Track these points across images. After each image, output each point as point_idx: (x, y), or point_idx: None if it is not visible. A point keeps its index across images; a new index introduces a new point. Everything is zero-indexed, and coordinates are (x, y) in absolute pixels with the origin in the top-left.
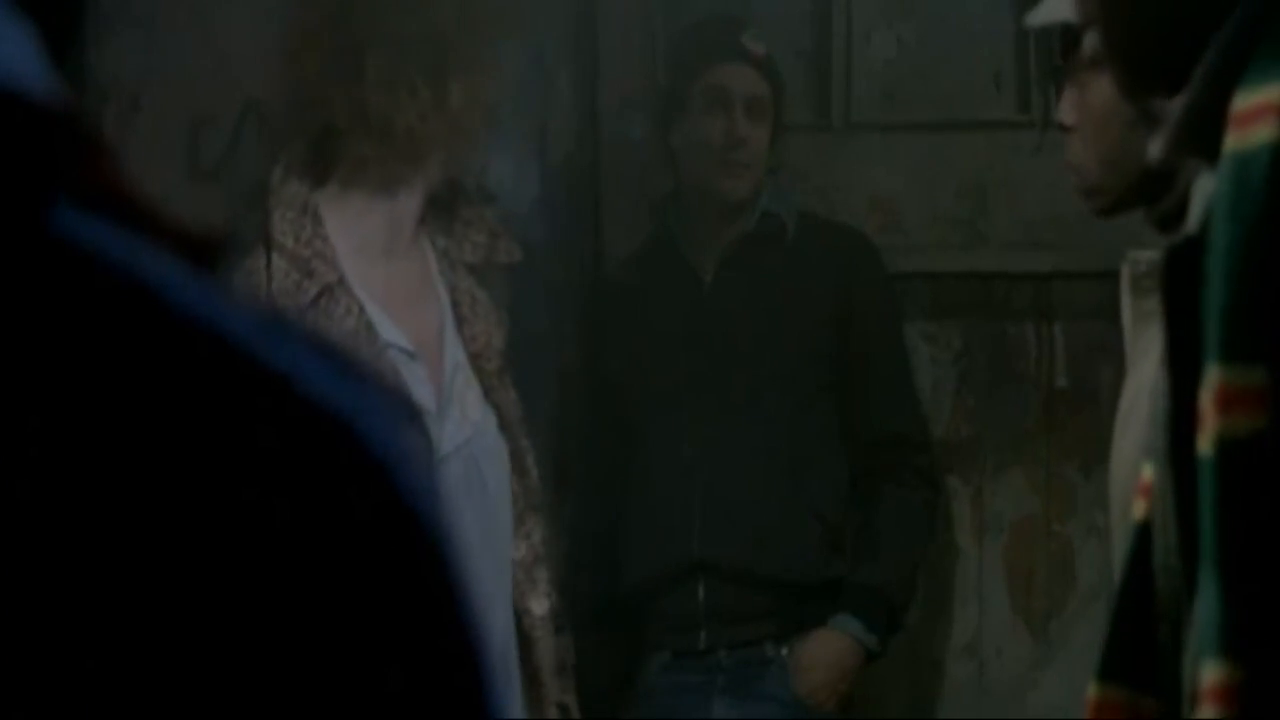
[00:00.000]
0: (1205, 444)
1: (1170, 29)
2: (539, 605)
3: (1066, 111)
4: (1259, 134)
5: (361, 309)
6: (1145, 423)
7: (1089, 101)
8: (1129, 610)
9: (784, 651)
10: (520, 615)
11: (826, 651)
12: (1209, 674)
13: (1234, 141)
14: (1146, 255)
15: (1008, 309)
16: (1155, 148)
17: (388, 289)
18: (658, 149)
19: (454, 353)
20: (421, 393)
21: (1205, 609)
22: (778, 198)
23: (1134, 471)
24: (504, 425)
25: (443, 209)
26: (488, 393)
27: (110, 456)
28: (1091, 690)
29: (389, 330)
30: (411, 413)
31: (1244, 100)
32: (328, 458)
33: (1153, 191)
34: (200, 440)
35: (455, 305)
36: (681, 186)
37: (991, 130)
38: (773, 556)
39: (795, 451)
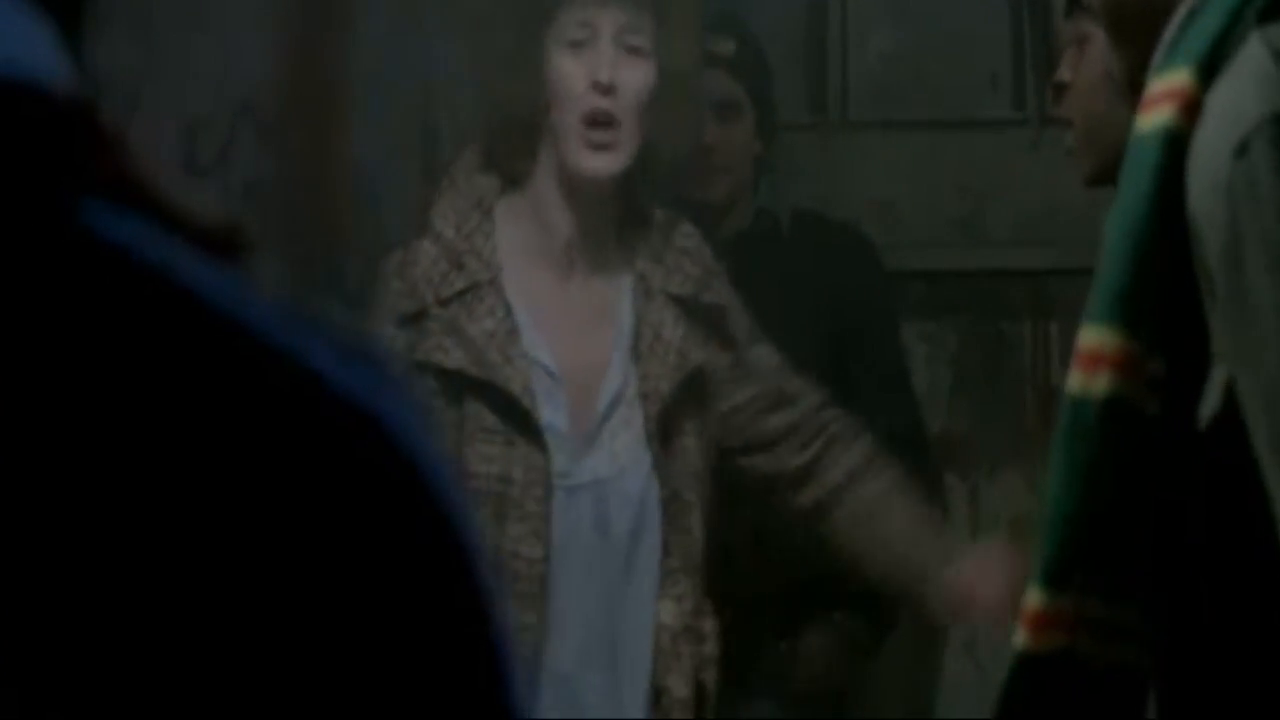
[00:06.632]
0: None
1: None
2: (680, 686)
3: (1064, 70)
4: (1157, 117)
5: (508, 313)
6: None
7: (1084, 66)
8: None
9: (781, 647)
10: (658, 692)
11: (822, 646)
12: (1030, 600)
13: (1139, 123)
14: None
15: (1004, 307)
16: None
17: (552, 303)
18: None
19: (616, 384)
20: (552, 413)
21: (1040, 539)
22: (772, 196)
23: None
24: (661, 474)
25: (656, 233)
26: (647, 437)
27: (138, 448)
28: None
29: (534, 342)
30: (427, 416)
31: (1155, 84)
32: (351, 453)
33: None
34: (223, 435)
35: (636, 337)
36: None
37: (988, 128)
38: (769, 553)
39: None
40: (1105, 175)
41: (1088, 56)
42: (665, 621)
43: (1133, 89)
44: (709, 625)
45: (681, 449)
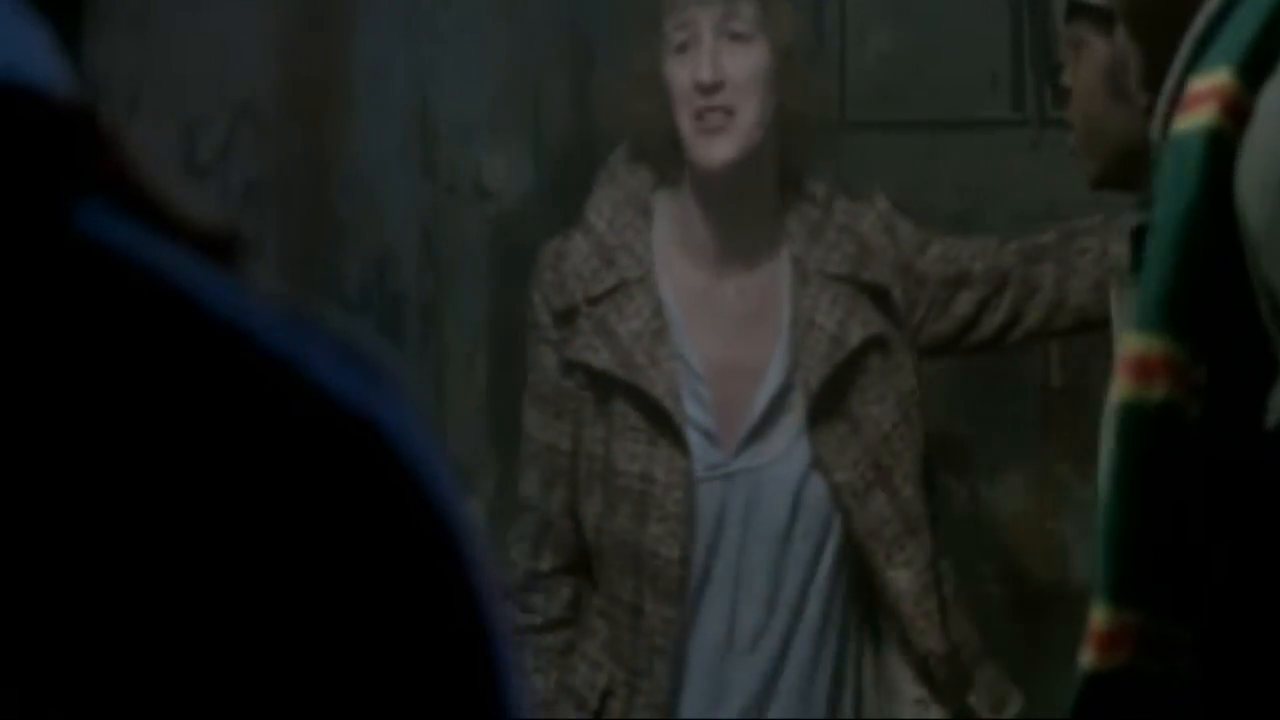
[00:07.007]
0: (1110, 405)
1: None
2: (939, 643)
3: (1067, 75)
4: (1199, 117)
5: (657, 311)
6: None
7: (1081, 69)
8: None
9: None
10: (924, 659)
11: None
12: (1095, 618)
13: (1179, 123)
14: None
15: None
16: (1152, 129)
17: (706, 301)
18: None
19: (776, 379)
20: (701, 411)
21: (1096, 556)
22: None
23: None
24: (837, 459)
25: (817, 209)
26: (806, 425)
27: (134, 452)
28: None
29: (684, 342)
30: (428, 420)
31: (1194, 84)
32: (349, 459)
33: (1141, 175)
34: (219, 440)
35: (793, 325)
36: None
37: (988, 128)
38: None
39: None
40: (1109, 177)
41: (1084, 60)
42: (904, 589)
43: (1150, 84)
44: (944, 567)
45: (864, 419)
